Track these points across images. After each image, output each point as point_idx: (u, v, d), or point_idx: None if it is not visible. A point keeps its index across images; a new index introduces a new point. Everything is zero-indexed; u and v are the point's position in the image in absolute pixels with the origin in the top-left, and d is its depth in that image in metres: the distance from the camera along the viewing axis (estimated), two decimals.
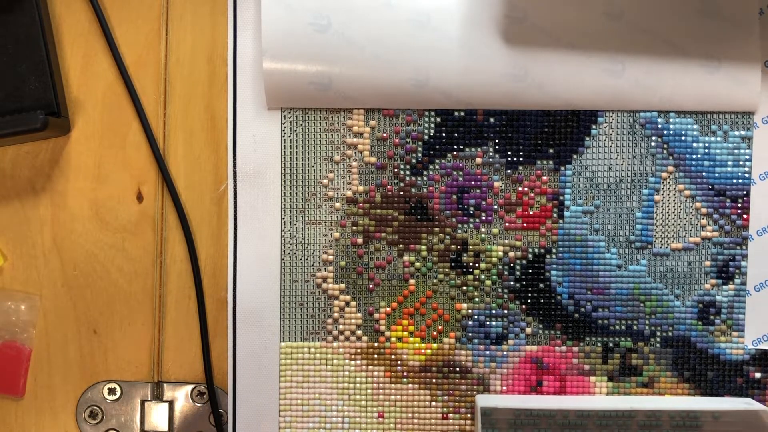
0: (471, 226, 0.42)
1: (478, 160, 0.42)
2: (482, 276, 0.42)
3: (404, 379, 0.43)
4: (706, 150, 0.42)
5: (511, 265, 0.42)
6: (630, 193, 0.42)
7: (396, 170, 0.42)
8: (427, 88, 0.41)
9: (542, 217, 0.42)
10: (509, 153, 0.42)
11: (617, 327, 0.42)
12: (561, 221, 0.42)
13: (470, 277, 0.42)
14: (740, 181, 0.42)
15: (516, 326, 0.42)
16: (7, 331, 0.43)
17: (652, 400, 0.42)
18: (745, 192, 0.42)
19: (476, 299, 0.42)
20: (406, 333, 0.43)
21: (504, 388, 0.43)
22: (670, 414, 0.40)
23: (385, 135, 0.42)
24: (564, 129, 0.42)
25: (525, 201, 0.42)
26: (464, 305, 0.42)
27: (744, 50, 0.41)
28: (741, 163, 0.42)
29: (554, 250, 0.42)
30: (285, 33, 0.40)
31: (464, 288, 0.42)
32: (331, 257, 0.43)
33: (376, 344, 0.43)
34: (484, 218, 0.42)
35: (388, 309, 0.43)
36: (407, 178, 0.42)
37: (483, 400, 0.41)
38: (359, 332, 0.43)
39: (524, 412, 0.40)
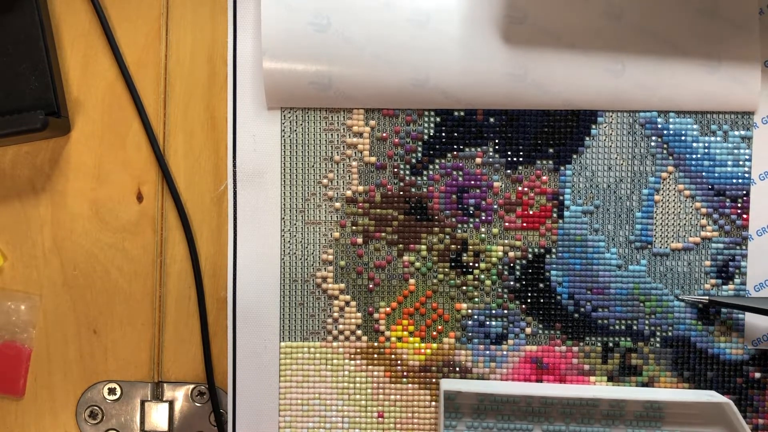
0: (471, 225, 0.42)
1: (478, 160, 0.42)
2: (482, 276, 0.42)
3: (404, 379, 0.43)
4: (706, 150, 0.42)
5: (511, 265, 0.42)
6: (630, 193, 0.42)
7: (396, 170, 0.42)
8: (427, 88, 0.41)
9: (542, 217, 0.42)
10: (509, 153, 0.42)
11: (617, 327, 0.42)
12: (561, 221, 0.42)
13: (470, 277, 0.42)
14: (740, 181, 0.42)
15: (516, 326, 0.42)
16: (7, 331, 0.43)
17: (616, 390, 0.42)
18: (744, 192, 0.42)
19: (476, 299, 0.42)
20: (405, 333, 0.43)
21: None
22: (634, 404, 0.41)
23: (384, 135, 0.42)
24: (564, 129, 0.42)
25: (525, 201, 0.42)
26: (464, 305, 0.42)
27: (744, 50, 0.41)
28: (741, 163, 0.42)
29: (554, 250, 0.42)
30: (285, 33, 0.40)
31: (464, 288, 0.42)
32: (330, 257, 0.43)
33: (375, 344, 0.43)
34: (483, 218, 0.42)
35: (387, 309, 0.43)
36: (407, 177, 0.42)
37: (447, 384, 0.41)
38: (359, 332, 0.43)
39: (488, 398, 0.40)
